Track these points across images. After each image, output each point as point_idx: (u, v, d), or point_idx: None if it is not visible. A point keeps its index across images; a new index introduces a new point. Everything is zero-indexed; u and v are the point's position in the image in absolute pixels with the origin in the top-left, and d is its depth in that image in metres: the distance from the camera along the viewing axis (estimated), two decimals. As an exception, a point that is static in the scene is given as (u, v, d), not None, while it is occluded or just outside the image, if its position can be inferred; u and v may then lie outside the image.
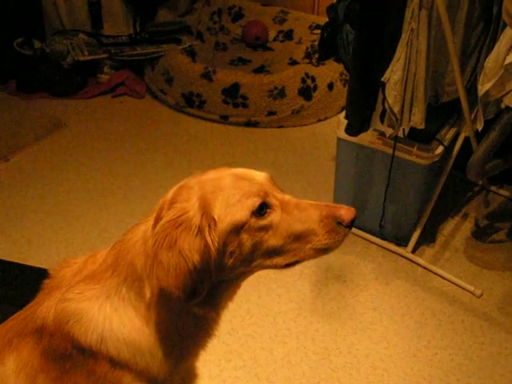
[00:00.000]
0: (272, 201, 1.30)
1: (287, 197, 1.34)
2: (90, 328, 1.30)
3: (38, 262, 2.89)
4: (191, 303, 1.25)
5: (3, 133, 3.93)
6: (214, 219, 1.24)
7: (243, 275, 1.38)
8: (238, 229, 1.26)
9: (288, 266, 1.36)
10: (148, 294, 1.30)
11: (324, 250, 1.34)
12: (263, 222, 1.28)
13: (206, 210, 1.24)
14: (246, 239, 1.28)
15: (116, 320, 1.31)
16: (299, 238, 1.32)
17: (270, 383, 2.39)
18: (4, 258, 2.87)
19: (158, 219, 1.28)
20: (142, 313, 1.32)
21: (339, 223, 1.32)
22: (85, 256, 1.46)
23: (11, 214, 3.25)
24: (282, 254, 1.33)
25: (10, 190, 3.43)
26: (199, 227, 1.22)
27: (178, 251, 1.20)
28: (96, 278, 1.35)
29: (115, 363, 1.32)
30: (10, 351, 1.36)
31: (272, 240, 1.30)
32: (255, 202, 1.26)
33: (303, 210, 1.32)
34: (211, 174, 1.33)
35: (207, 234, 1.22)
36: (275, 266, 1.35)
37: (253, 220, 1.26)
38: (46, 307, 1.36)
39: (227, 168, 1.38)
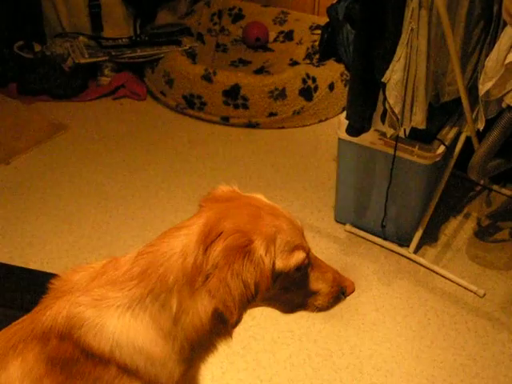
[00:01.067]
0: (310, 257, 1.38)
1: (312, 253, 1.41)
2: (107, 335, 1.29)
3: (40, 265, 2.89)
4: (232, 327, 1.31)
5: (4, 136, 3.93)
6: (274, 259, 1.28)
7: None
8: (277, 275, 1.31)
9: (293, 312, 1.47)
10: (174, 307, 1.29)
11: (320, 310, 1.47)
12: (298, 275, 1.36)
13: (269, 249, 1.27)
14: (278, 283, 1.33)
15: (133, 329, 1.30)
16: (312, 294, 1.43)
17: (273, 385, 2.39)
18: (5, 262, 2.87)
19: (206, 237, 1.27)
20: (160, 325, 1.31)
21: (342, 292, 1.46)
22: (102, 261, 1.43)
23: (12, 218, 3.24)
24: (294, 304, 1.45)
25: (11, 194, 3.42)
26: (263, 261, 1.25)
27: (242, 280, 1.22)
28: (119, 286, 1.32)
29: (124, 370, 1.30)
30: (14, 356, 1.34)
31: (295, 292, 1.41)
32: (303, 258, 1.33)
33: (322, 271, 1.42)
34: (260, 204, 1.37)
35: (268, 271, 1.26)
36: (281, 310, 1.47)
37: (293, 272, 1.32)
38: (56, 310, 1.33)
39: (266, 200, 1.43)
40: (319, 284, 1.42)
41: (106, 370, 1.30)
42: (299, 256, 1.31)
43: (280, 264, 1.29)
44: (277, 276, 1.30)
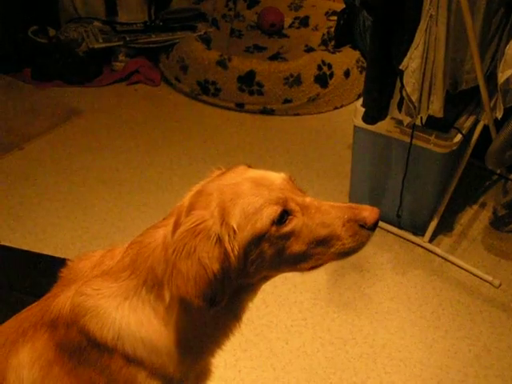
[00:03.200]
0: (292, 206, 1.26)
1: (308, 199, 1.30)
2: (107, 324, 1.29)
3: (53, 250, 2.89)
4: (212, 310, 1.23)
5: (18, 121, 3.93)
6: (234, 228, 1.21)
7: (266, 279, 1.35)
8: (258, 238, 1.22)
9: (312, 268, 1.33)
10: (167, 298, 1.28)
11: (347, 254, 1.31)
12: (284, 229, 1.24)
13: (224, 218, 1.21)
14: (268, 247, 1.24)
15: (134, 319, 1.30)
16: (322, 242, 1.28)
17: (286, 373, 2.38)
18: (19, 247, 2.87)
19: (176, 226, 1.25)
20: (160, 315, 1.31)
21: (362, 226, 1.28)
22: (103, 250, 1.45)
23: (26, 203, 3.24)
24: (306, 258, 1.30)
25: (25, 179, 3.42)
26: (218, 236, 1.19)
27: (197, 260, 1.17)
28: (113, 276, 1.34)
29: (130, 360, 1.31)
30: (24, 342, 1.36)
31: (294, 246, 1.27)
32: (275, 210, 1.22)
33: (325, 213, 1.28)
34: (229, 178, 1.30)
35: (227, 242, 1.19)
36: (299, 270, 1.33)
37: (273, 229, 1.22)
38: (62, 299, 1.35)
39: (245, 168, 1.35)
40: (325, 228, 1.27)
41: (113, 359, 1.31)
42: (268, 211, 1.21)
43: (251, 228, 1.21)
44: (257, 241, 1.23)
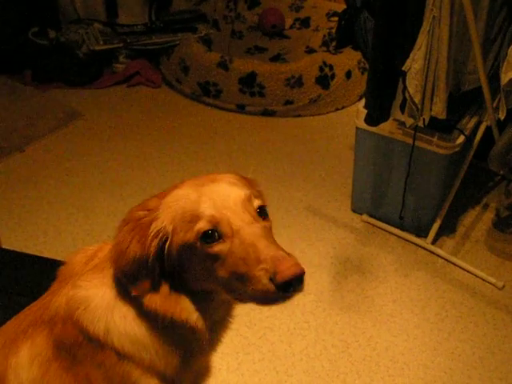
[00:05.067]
0: (224, 230, 1.19)
1: (249, 229, 1.19)
2: (97, 317, 1.29)
3: (54, 253, 2.87)
4: (134, 290, 1.25)
5: (18, 123, 3.92)
6: (166, 229, 1.23)
7: (216, 293, 1.30)
8: (188, 247, 1.22)
9: (239, 301, 1.28)
10: (112, 269, 1.31)
11: (257, 302, 1.20)
12: (208, 249, 1.20)
13: (162, 216, 1.25)
14: (196, 261, 1.23)
15: (117, 311, 1.30)
16: (241, 279, 1.18)
17: (289, 376, 2.37)
18: (20, 250, 2.86)
19: None
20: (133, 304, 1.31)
21: (271, 279, 1.13)
22: (97, 244, 1.46)
23: (27, 206, 3.23)
24: (230, 288, 1.22)
25: (26, 181, 3.41)
26: (149, 230, 1.23)
27: (129, 239, 1.23)
28: (100, 267, 1.35)
29: (122, 356, 1.30)
30: (24, 340, 1.36)
31: (220, 271, 1.21)
32: (202, 227, 1.19)
33: (252, 250, 1.16)
34: (198, 180, 1.31)
35: (151, 237, 1.22)
36: (229, 297, 1.27)
37: (199, 245, 1.20)
38: (60, 296, 1.35)
39: (221, 178, 1.30)
40: (244, 265, 1.16)
41: (106, 355, 1.30)
42: (198, 225, 1.19)
43: (182, 235, 1.22)
44: (182, 249, 1.22)
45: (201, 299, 1.30)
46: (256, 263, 1.15)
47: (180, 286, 1.27)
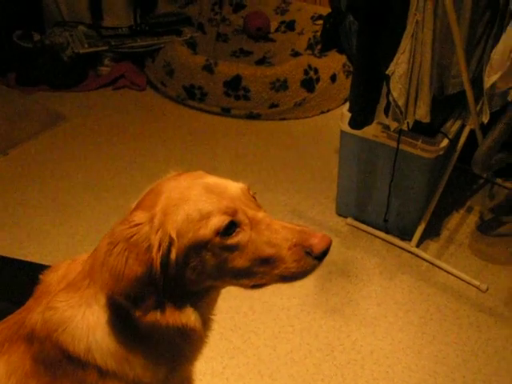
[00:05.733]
0: (241, 219, 1.22)
1: (260, 215, 1.25)
2: (77, 337, 1.27)
3: (39, 257, 2.86)
4: (138, 311, 1.21)
5: (2, 126, 3.90)
6: (171, 236, 1.19)
7: (214, 288, 1.33)
8: (200, 246, 1.20)
9: (255, 287, 1.30)
10: (108, 294, 1.26)
11: (290, 278, 1.25)
12: (229, 241, 1.21)
13: (163, 224, 1.19)
14: (209, 257, 1.22)
15: (99, 330, 1.28)
16: (266, 262, 1.23)
17: (274, 380, 2.37)
18: (4, 254, 2.84)
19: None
20: (122, 322, 1.29)
21: (308, 253, 1.22)
22: (69, 260, 1.43)
23: (10, 209, 3.22)
24: (248, 275, 1.26)
25: (10, 185, 3.40)
26: (149, 243, 1.17)
27: (124, 260, 1.16)
28: (76, 287, 1.32)
29: (104, 373, 1.29)
30: (1, 355, 1.34)
31: (238, 261, 1.23)
32: (222, 220, 1.19)
33: (274, 232, 1.23)
34: (183, 181, 1.27)
35: (155, 250, 1.17)
36: (242, 286, 1.29)
37: (217, 239, 1.19)
38: (34, 314, 1.33)
39: (203, 174, 1.31)
40: (270, 248, 1.22)
41: (87, 373, 1.29)
42: (214, 221, 1.18)
43: (193, 235, 1.19)
44: (198, 248, 1.20)
45: (196, 299, 1.29)
46: (284, 243, 1.22)
47: (178, 289, 1.24)
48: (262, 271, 1.25)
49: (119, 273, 1.16)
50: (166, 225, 1.19)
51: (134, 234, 1.18)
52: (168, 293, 1.22)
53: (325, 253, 1.23)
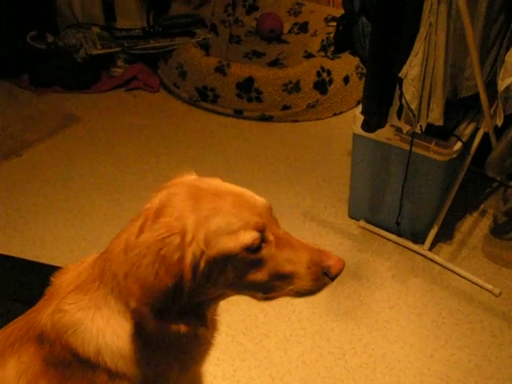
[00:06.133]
0: (267, 235, 1.24)
1: (281, 231, 1.29)
2: (86, 340, 1.28)
3: (51, 259, 2.87)
4: (161, 321, 1.21)
5: (16, 127, 3.92)
6: (202, 248, 1.18)
7: (225, 296, 1.34)
8: (225, 259, 1.20)
9: (267, 299, 1.33)
10: (133, 305, 1.23)
11: (303, 294, 1.31)
12: (254, 256, 1.22)
13: (195, 237, 1.18)
14: (231, 270, 1.23)
15: (109, 332, 1.28)
16: (284, 277, 1.28)
17: (285, 383, 2.36)
18: (16, 255, 2.86)
19: (141, 229, 1.22)
20: (132, 324, 1.29)
21: (325, 273, 1.28)
22: (80, 262, 1.43)
23: (24, 210, 3.23)
24: (264, 288, 1.29)
25: (23, 186, 3.41)
26: (182, 254, 1.16)
27: (155, 271, 1.15)
28: (85, 289, 1.32)
29: (113, 375, 1.29)
30: (11, 355, 1.36)
31: (257, 275, 1.26)
32: (253, 237, 1.20)
33: (295, 250, 1.27)
34: (207, 186, 1.27)
35: (189, 263, 1.16)
36: (254, 297, 1.32)
37: (244, 253, 1.21)
38: (44, 315, 1.34)
39: (224, 183, 1.32)
40: (291, 265, 1.26)
41: (97, 375, 1.30)
42: (245, 236, 1.19)
43: (221, 248, 1.19)
44: (224, 261, 1.20)
45: (207, 305, 1.31)
46: (304, 261, 1.27)
47: (195, 298, 1.25)
48: (278, 285, 1.29)
49: (149, 285, 1.15)
50: (198, 237, 1.18)
51: (165, 246, 1.16)
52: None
53: (339, 274, 1.30)
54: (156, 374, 1.33)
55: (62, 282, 1.39)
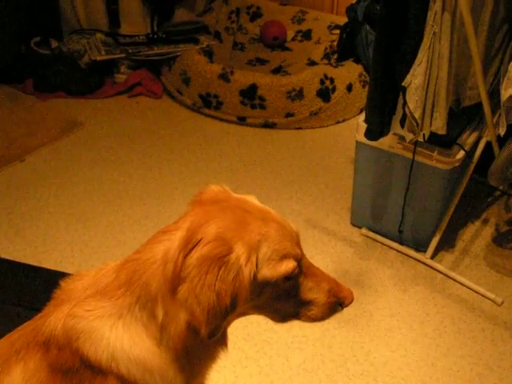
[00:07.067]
0: (301, 265, 1.31)
1: (306, 260, 1.35)
2: (101, 346, 1.27)
3: (53, 264, 2.87)
4: (209, 340, 1.24)
5: (19, 132, 3.92)
6: (255, 270, 1.22)
7: (246, 314, 1.38)
8: (266, 283, 1.25)
9: (281, 321, 1.40)
10: (160, 316, 1.26)
11: (314, 320, 1.40)
12: (289, 284, 1.30)
13: (251, 256, 1.21)
14: (268, 294, 1.28)
15: (127, 339, 1.28)
16: (304, 304, 1.36)
17: (286, 391, 2.37)
18: (18, 260, 2.86)
19: (187, 243, 1.22)
20: (153, 333, 1.28)
21: (339, 303, 1.38)
22: (96, 268, 1.42)
23: (26, 215, 3.23)
24: (285, 312, 1.37)
25: (25, 191, 3.42)
26: (241, 272, 1.19)
27: (216, 291, 1.17)
28: (108, 295, 1.31)
29: (124, 381, 1.29)
30: (17, 361, 1.33)
31: (287, 301, 1.34)
32: (293, 266, 1.26)
33: (318, 280, 1.36)
34: (250, 209, 1.29)
35: (246, 280, 1.20)
36: (273, 319, 1.40)
37: (282, 281, 1.26)
38: (54, 320, 1.32)
39: (254, 200, 1.36)
40: (313, 294, 1.35)
41: (106, 381, 1.29)
42: (288, 265, 1.24)
43: (266, 273, 1.23)
44: (263, 285, 1.25)
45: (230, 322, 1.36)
46: (325, 291, 1.35)
47: None
48: (297, 311, 1.37)
49: (210, 306, 1.17)
50: (252, 259, 1.21)
51: (224, 264, 1.18)
52: None
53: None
54: (165, 383, 1.33)
55: (75, 287, 1.38)
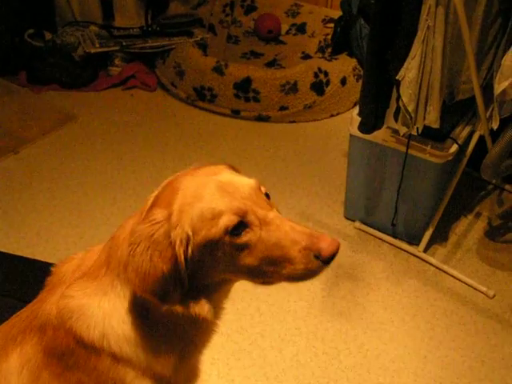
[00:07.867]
0: (251, 219, 1.24)
1: (271, 214, 1.27)
2: (92, 324, 1.31)
3: (47, 256, 2.87)
4: (166, 306, 1.25)
5: (13, 125, 3.92)
6: (188, 233, 1.22)
7: (228, 281, 1.37)
8: (211, 244, 1.23)
9: (264, 284, 1.34)
10: (136, 292, 1.28)
11: (297, 279, 1.29)
12: (238, 241, 1.23)
13: (180, 222, 1.22)
14: (221, 255, 1.25)
15: (116, 316, 1.32)
16: (275, 262, 1.26)
17: (279, 383, 2.37)
18: (12, 252, 2.86)
19: (139, 218, 1.29)
20: (138, 309, 1.32)
21: (316, 257, 1.24)
22: (83, 252, 1.46)
23: (20, 208, 3.23)
24: (257, 273, 1.29)
25: (19, 183, 3.41)
26: (171, 240, 1.20)
27: (148, 258, 1.19)
28: (93, 275, 1.35)
29: (117, 359, 1.32)
30: (14, 347, 1.37)
31: (248, 259, 1.26)
32: (231, 220, 1.22)
33: (284, 234, 1.25)
34: (199, 178, 1.30)
35: (177, 246, 1.20)
36: (252, 282, 1.34)
37: (227, 238, 1.22)
38: (49, 304, 1.36)
39: (221, 169, 1.34)
40: (279, 249, 1.24)
41: (100, 360, 1.32)
42: (224, 220, 1.20)
43: (203, 232, 1.22)
44: (209, 245, 1.23)
45: (210, 290, 1.33)
46: (293, 245, 1.24)
47: (193, 282, 1.27)
48: (271, 270, 1.28)
49: (145, 272, 1.20)
50: (182, 222, 1.22)
51: (155, 232, 1.21)
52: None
53: (332, 257, 1.25)
54: (158, 361, 1.35)
55: (65, 270, 1.42)
